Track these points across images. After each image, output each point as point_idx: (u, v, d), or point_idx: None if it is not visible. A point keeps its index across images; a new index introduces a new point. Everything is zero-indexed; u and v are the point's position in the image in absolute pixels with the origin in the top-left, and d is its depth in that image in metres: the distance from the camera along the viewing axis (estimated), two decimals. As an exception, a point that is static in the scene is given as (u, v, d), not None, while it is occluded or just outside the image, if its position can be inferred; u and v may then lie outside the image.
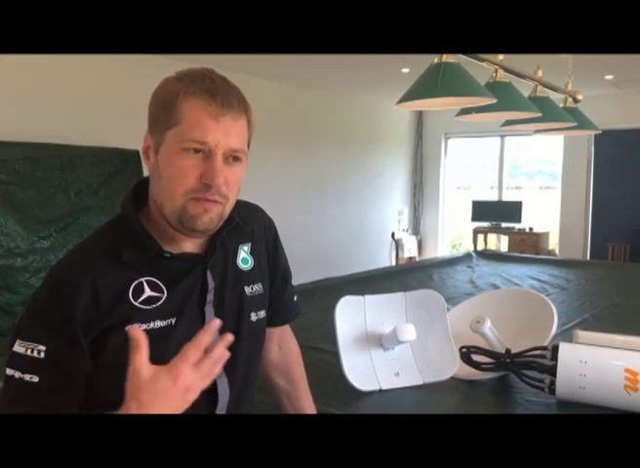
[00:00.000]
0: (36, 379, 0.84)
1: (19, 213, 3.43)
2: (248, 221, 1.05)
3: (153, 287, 0.92)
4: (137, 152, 4.05)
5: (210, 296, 0.96)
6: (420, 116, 7.65)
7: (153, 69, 3.18)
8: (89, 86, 4.12)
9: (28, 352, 0.85)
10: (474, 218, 7.07)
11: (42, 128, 3.79)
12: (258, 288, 1.04)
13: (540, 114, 2.17)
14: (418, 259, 7.05)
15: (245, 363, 1.01)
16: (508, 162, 7.41)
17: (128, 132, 4.20)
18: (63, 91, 4.00)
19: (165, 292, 0.92)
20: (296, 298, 1.19)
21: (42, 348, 0.85)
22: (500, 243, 7.18)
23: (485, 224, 6.99)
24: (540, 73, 2.48)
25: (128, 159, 3.99)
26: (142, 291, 0.91)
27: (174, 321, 0.92)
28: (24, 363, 0.85)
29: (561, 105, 2.71)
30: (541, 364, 1.45)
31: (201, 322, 0.95)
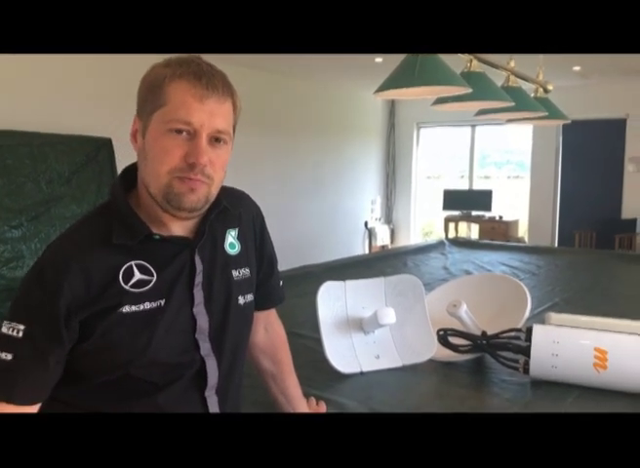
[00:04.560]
0: (9, 357, 0.87)
1: (-12, 202, 3.37)
2: (235, 207, 1.06)
3: (143, 270, 0.93)
4: (109, 140, 3.99)
5: (198, 279, 0.98)
6: (392, 105, 7.70)
7: (125, 56, 3.15)
8: (59, 72, 4.04)
9: (9, 331, 0.88)
10: (445, 207, 7.17)
11: (11, 115, 3.70)
12: (245, 272, 1.06)
13: (513, 104, 2.22)
14: (390, 248, 7.13)
15: (233, 344, 1.03)
16: (478, 151, 7.52)
17: (100, 119, 4.15)
18: (33, 77, 3.91)
19: (154, 274, 0.94)
20: (282, 283, 1.21)
21: (21, 327, 0.87)
22: (470, 231, 7.30)
23: (456, 213, 7.10)
24: (512, 63, 2.53)
25: (100, 147, 3.94)
26: (132, 274, 0.92)
27: (163, 302, 0.94)
28: (3, 341, 0.88)
29: (532, 95, 2.77)
30: (516, 345, 1.50)
31: (190, 303, 0.97)
